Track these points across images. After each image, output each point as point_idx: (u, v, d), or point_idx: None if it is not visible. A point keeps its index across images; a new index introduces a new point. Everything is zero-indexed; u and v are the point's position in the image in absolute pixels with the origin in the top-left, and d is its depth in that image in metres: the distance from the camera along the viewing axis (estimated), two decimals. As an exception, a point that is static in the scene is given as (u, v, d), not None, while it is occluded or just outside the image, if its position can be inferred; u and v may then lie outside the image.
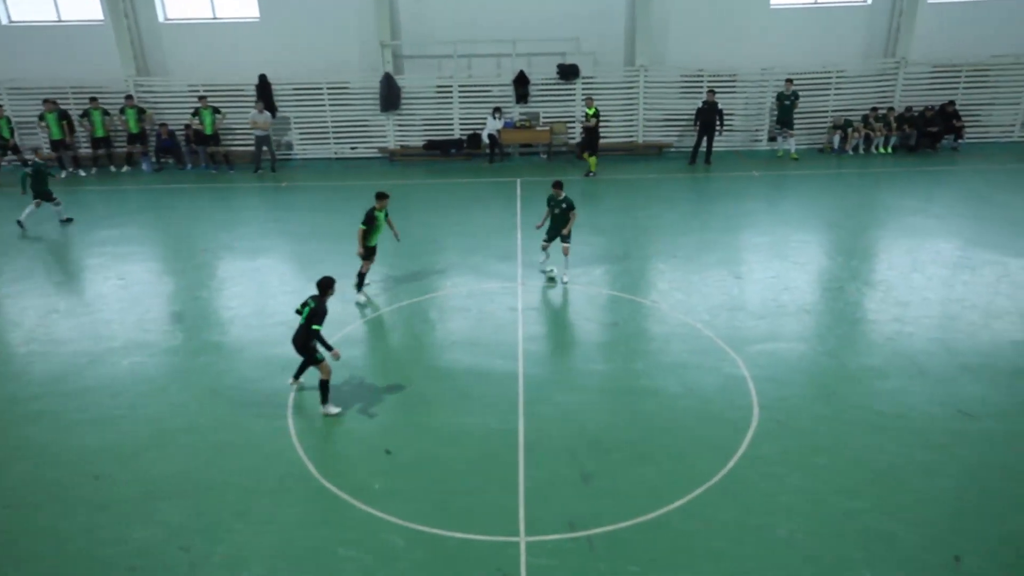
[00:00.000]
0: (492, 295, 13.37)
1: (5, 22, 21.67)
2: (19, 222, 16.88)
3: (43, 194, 17.04)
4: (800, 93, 21.56)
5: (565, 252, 13.63)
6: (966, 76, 22.42)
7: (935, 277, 13.61)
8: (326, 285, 9.91)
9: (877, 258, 14.76)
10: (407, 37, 21.92)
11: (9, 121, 20.62)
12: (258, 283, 14.21)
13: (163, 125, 21.41)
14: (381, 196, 13.08)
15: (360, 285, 13.25)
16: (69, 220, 17.39)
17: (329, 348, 9.69)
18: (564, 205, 13.56)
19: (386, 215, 13.27)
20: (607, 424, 9.79)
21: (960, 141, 22.34)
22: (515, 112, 22.06)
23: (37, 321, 12.87)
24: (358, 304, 13.07)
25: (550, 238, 13.92)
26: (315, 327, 9.61)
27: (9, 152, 20.65)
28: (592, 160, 20.15)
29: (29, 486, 8.91)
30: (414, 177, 20.56)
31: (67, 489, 8.84)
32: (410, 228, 16.88)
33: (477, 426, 9.77)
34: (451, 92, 22.11)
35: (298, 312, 9.93)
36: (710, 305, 12.79)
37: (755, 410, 9.85)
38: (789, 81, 21.34)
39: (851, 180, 19.93)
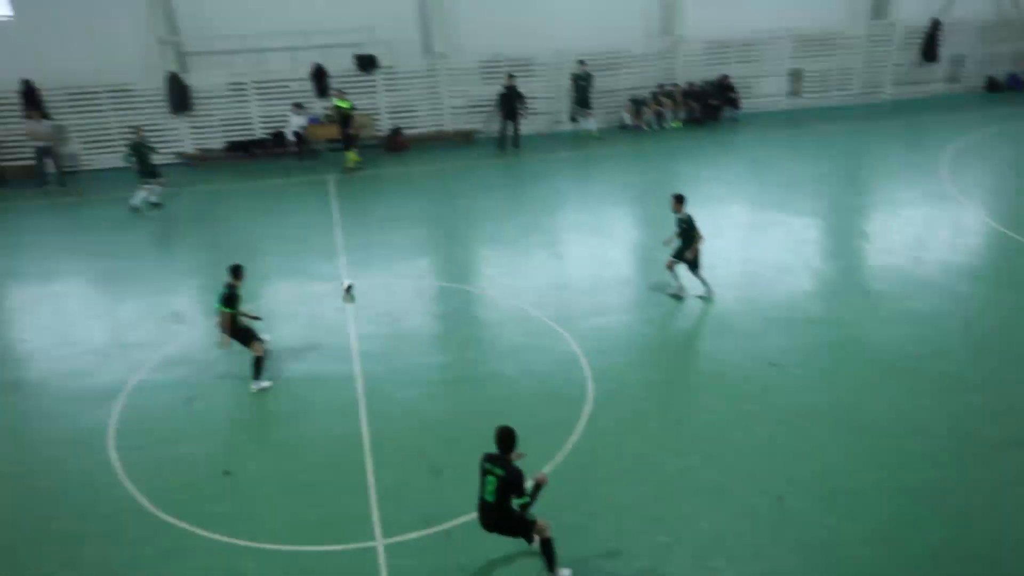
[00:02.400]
0: (319, 297, 13.04)
1: None
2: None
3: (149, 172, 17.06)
4: (593, 74, 22.57)
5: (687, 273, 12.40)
6: (735, 51, 24.46)
7: (733, 240, 14.84)
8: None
9: (680, 226, 15.88)
10: (188, 32, 20.63)
11: None
12: (56, 309, 12.97)
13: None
14: (237, 271, 10.36)
15: (258, 373, 10.58)
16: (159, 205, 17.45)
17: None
18: (684, 226, 12.06)
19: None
20: (450, 415, 9.89)
21: (738, 111, 24.37)
22: (318, 107, 21.47)
23: None
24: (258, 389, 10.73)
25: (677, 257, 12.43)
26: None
27: None
28: (351, 155, 19.89)
29: None
30: (220, 182, 19.52)
31: None
32: (223, 235, 16.07)
33: (319, 434, 9.55)
34: (246, 89, 21.13)
35: None
36: (536, 286, 13.20)
37: (589, 384, 10.33)
38: (582, 63, 22.27)
39: (649, 155, 21.21)
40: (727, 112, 24.37)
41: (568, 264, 14.17)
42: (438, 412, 9.95)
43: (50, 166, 19.26)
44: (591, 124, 22.65)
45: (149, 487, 8.67)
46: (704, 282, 12.39)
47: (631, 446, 9.09)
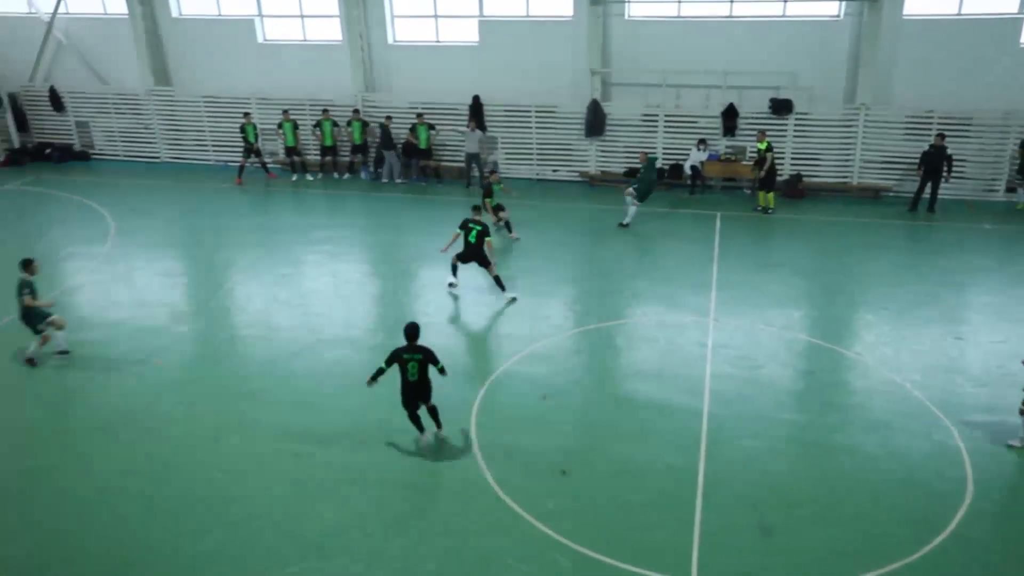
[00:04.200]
0: (682, 328, 13.09)
1: (261, 40, 24.20)
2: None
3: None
4: (1048, 142, 19.39)
5: None
6: None
7: None
8: None
9: None
10: (617, 64, 22.09)
11: (255, 127, 22.91)
12: (454, 293, 14.78)
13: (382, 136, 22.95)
14: None
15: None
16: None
17: None
18: None
19: None
20: (794, 476, 9.27)
21: None
22: (721, 145, 21.56)
23: (260, 308, 14.17)
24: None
25: None
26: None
27: (253, 155, 22.92)
28: (770, 196, 19.45)
29: (238, 456, 9.80)
30: (612, 203, 20.63)
31: (269, 463, 9.63)
32: (602, 254, 16.94)
33: (657, 460, 9.58)
34: (657, 121, 21.99)
35: None
36: (923, 364, 11.76)
37: (969, 486, 8.93)
38: (1035, 128, 19.28)
39: (1104, 242, 17.62)
40: None
41: (968, 348, 12.37)
42: (781, 471, 9.38)
43: (474, 171, 22.04)
44: (1032, 197, 19.52)
45: (495, 467, 9.47)
46: None
47: (1014, 572, 7.65)
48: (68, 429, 10.51)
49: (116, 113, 25.07)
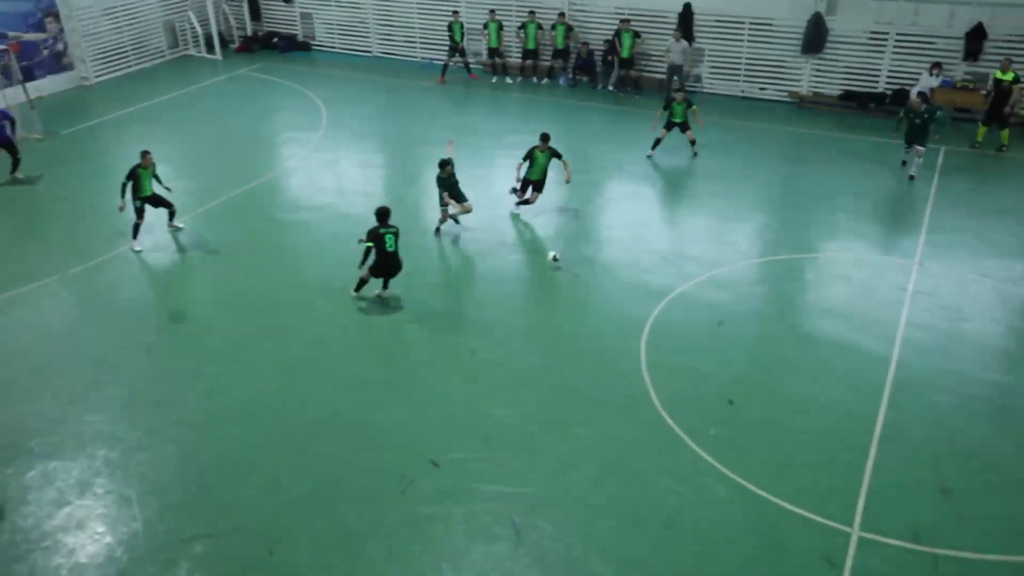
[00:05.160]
0: (882, 269, 12.21)
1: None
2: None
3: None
4: None
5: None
6: None
7: None
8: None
9: None
10: (849, -26, 20.14)
11: (462, 27, 23.21)
12: (639, 209, 14.58)
13: (584, 44, 22.51)
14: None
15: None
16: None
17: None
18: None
19: None
20: (985, 440, 8.61)
21: None
22: (959, 70, 19.28)
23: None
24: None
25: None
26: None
27: (457, 54, 23.33)
28: (1004, 133, 17.11)
29: (425, 345, 10.47)
30: (821, 128, 19.19)
31: (452, 355, 10.21)
32: (804, 179, 15.95)
33: (833, 402, 9.20)
34: (886, 40, 19.94)
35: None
36: None
37: None
38: None
39: None
40: None
41: None
42: (972, 432, 8.73)
43: (676, 84, 21.18)
44: None
45: (660, 386, 9.49)
46: None
47: None
48: (277, 301, 11.62)
49: (336, 5, 26.28)
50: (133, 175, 12.55)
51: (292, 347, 10.42)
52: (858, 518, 7.56)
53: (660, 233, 13.68)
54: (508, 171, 16.16)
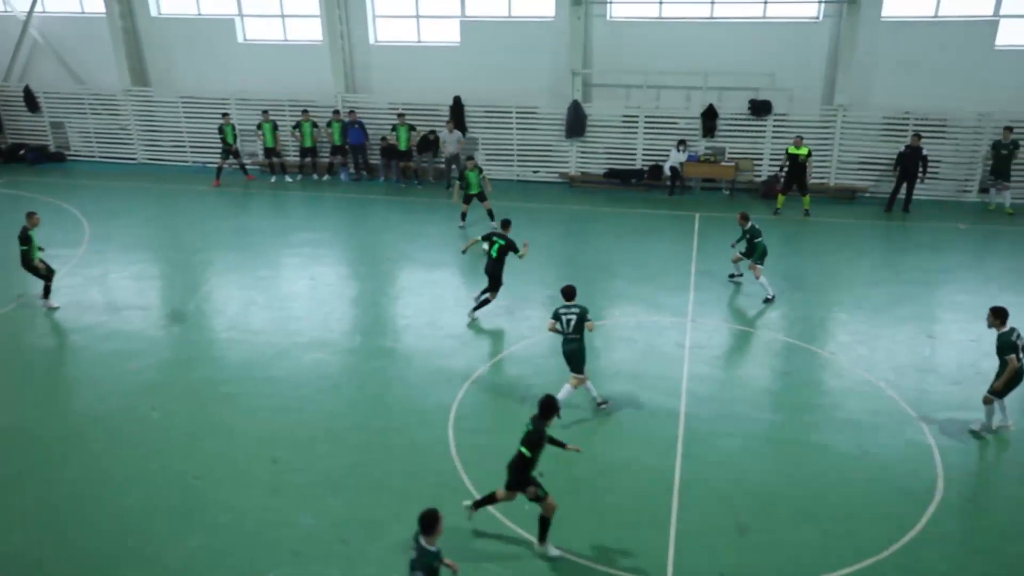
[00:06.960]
0: (660, 329, 13.16)
1: (241, 40, 24.04)
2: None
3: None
4: (1021, 143, 19.66)
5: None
6: None
7: None
8: (548, 408, 8.10)
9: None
10: (598, 65, 22.13)
11: (234, 128, 22.77)
12: (433, 295, 14.77)
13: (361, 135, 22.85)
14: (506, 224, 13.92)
15: None
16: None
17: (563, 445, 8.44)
18: (750, 235, 14.19)
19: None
20: (769, 476, 9.34)
21: None
22: (700, 146, 21.67)
23: (238, 311, 14.08)
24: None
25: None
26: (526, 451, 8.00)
27: (231, 156, 22.76)
28: (806, 199, 19.56)
29: (216, 462, 9.74)
30: (592, 204, 20.66)
31: (247, 469, 9.57)
32: (583, 253, 16.98)
33: (633, 460, 9.63)
34: (637, 122, 22.07)
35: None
36: (896, 363, 11.89)
37: (940, 483, 9.04)
38: (1009, 129, 19.52)
39: (1075, 241, 17.87)
40: None
41: (940, 346, 12.54)
42: (757, 470, 9.45)
43: (454, 172, 21.97)
44: (1005, 198, 19.76)
45: (471, 468, 9.48)
46: None
47: (977, 566, 7.76)
48: (38, 437, 10.37)
49: (92, 113, 24.84)
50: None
51: (60, 486, 9.29)
52: (670, 569, 7.87)
53: (456, 317, 13.88)
54: (295, 271, 15.83)
